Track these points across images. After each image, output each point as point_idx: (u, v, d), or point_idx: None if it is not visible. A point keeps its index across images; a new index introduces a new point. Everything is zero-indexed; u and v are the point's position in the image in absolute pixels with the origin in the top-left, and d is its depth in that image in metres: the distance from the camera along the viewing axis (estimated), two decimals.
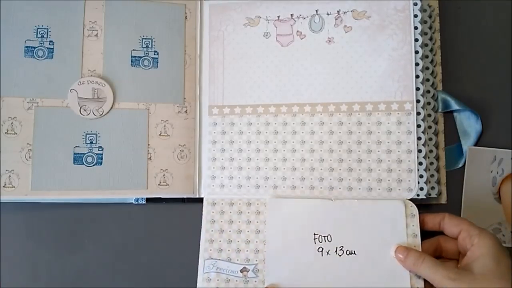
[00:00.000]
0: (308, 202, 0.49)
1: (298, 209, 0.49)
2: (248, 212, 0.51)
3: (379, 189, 0.49)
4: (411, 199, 0.48)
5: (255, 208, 0.50)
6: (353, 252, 0.47)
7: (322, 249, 0.47)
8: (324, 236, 0.48)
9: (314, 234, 0.48)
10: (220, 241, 0.50)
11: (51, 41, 0.52)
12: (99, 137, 0.52)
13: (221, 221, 0.51)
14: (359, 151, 0.50)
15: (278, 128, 0.52)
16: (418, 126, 0.49)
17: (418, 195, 0.49)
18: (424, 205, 0.51)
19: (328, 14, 0.52)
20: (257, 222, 0.50)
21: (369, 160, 0.50)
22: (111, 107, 0.52)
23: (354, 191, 0.49)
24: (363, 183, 0.49)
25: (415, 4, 0.50)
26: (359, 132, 0.50)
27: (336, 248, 0.47)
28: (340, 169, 0.50)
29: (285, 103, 0.52)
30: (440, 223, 0.46)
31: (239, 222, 0.50)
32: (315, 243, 0.48)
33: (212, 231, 0.51)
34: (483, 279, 0.41)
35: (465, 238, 0.44)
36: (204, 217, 0.51)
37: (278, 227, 0.49)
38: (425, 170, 0.49)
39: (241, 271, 0.49)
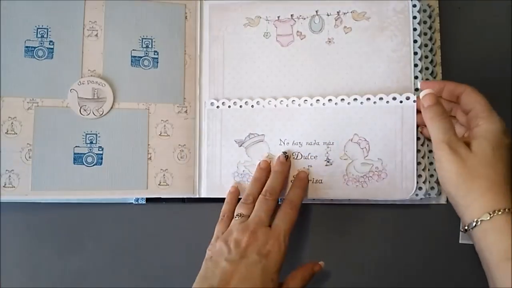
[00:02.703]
0: None
1: None
2: None
3: None
4: (409, 199, 0.49)
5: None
6: None
7: None
8: None
9: None
10: None
11: (51, 41, 0.52)
12: (99, 137, 0.52)
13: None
14: None
15: None
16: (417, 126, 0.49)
17: (417, 194, 0.49)
18: (423, 205, 0.51)
19: (328, 15, 0.52)
20: None
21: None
22: (111, 107, 0.52)
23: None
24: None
25: (414, 6, 0.50)
26: None
27: None
28: None
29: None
30: (459, 96, 0.45)
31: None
32: None
33: None
34: (476, 160, 0.41)
35: (472, 118, 0.44)
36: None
37: None
38: (423, 170, 0.49)
39: None
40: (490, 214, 0.40)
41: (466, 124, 0.45)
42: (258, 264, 0.42)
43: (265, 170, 0.50)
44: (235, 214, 0.47)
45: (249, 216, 0.47)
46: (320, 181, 0.50)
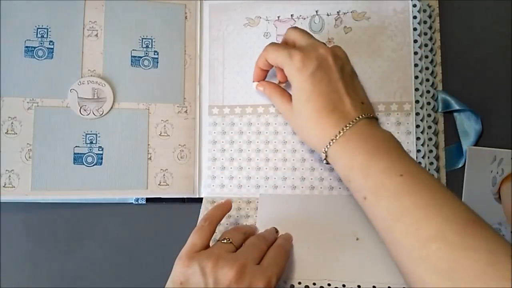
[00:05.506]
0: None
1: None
2: (248, 209, 0.51)
3: None
4: None
5: (255, 205, 0.51)
6: None
7: None
8: None
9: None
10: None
11: (51, 41, 0.52)
12: (99, 137, 0.52)
13: None
14: None
15: (278, 128, 0.52)
16: (417, 126, 0.49)
17: None
18: None
19: (328, 15, 0.52)
20: (256, 216, 0.50)
21: None
22: (111, 107, 0.52)
23: None
24: None
25: (414, 6, 0.50)
26: None
27: None
28: None
29: None
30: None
31: (237, 216, 0.50)
32: None
33: None
34: (293, 110, 0.45)
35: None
36: (201, 214, 0.51)
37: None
38: None
39: None
40: (324, 151, 0.42)
41: None
42: None
43: None
44: (223, 237, 0.43)
45: (236, 247, 0.42)
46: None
